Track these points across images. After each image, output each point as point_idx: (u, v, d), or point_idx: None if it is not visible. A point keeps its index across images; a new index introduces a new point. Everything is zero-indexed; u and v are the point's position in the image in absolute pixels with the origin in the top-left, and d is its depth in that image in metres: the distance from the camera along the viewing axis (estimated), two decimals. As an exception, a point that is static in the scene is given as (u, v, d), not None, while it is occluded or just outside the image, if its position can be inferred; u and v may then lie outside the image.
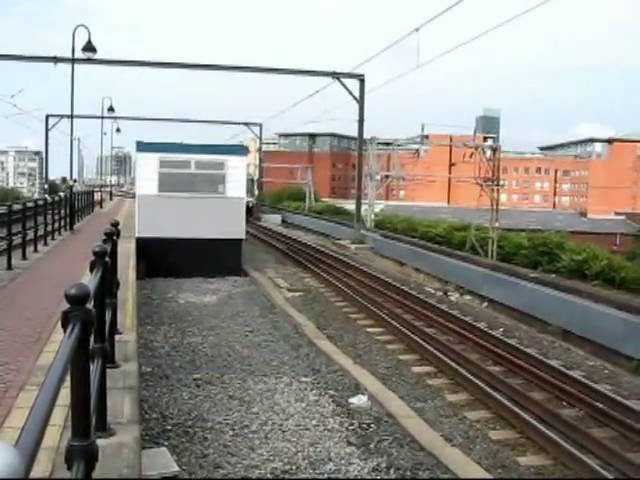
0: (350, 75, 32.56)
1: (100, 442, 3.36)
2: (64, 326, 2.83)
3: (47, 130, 48.13)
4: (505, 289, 18.75)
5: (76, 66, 24.33)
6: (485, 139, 34.04)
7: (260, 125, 57.72)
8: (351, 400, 10.33)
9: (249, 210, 44.91)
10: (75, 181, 29.59)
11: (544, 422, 9.59)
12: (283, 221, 53.41)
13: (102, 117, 49.61)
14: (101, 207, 43.70)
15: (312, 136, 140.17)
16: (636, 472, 8.07)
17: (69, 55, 24.23)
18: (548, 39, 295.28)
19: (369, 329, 15.77)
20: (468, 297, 20.57)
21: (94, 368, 4.24)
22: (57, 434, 4.40)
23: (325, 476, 7.69)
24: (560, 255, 19.51)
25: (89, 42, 23.37)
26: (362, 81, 32.57)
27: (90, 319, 2.99)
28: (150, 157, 23.09)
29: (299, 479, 7.61)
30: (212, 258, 22.47)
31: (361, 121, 33.45)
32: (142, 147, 23.66)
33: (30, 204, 18.67)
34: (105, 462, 3.93)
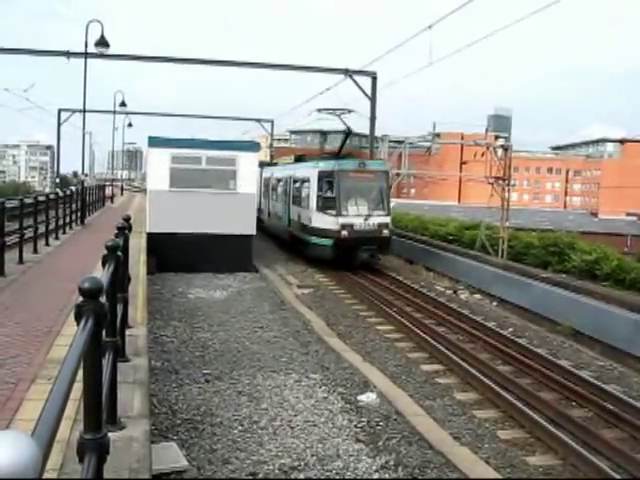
0: (362, 72, 32.49)
1: (110, 436, 3.37)
2: (77, 319, 2.84)
3: (59, 124, 48.33)
4: (515, 288, 18.70)
5: (89, 61, 24.38)
6: (496, 138, 33.83)
7: (272, 122, 57.67)
8: (360, 397, 10.33)
9: (381, 243, 23.61)
10: (86, 175, 29.67)
11: (553, 422, 9.57)
12: None
13: (114, 112, 49.66)
14: (112, 202, 43.84)
15: (323, 133, 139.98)
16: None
17: (82, 50, 24.29)
18: (560, 39, 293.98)
19: (379, 327, 15.77)
20: (478, 296, 20.52)
21: (105, 362, 4.26)
22: (68, 427, 4.42)
23: (334, 472, 7.70)
24: (571, 255, 19.41)
25: (102, 37, 23.39)
26: (374, 78, 32.49)
27: (103, 313, 2.99)
28: (162, 152, 23.13)
29: (307, 479, 7.61)
30: (222, 254, 22.49)
31: (373, 118, 33.38)
32: (154, 142, 23.70)
33: (42, 198, 18.74)
34: (115, 456, 3.94)
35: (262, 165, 36.19)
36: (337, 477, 7.64)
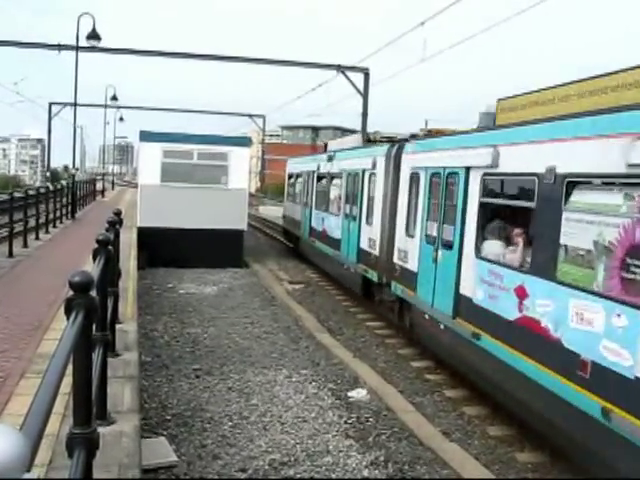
0: (355, 68, 32.51)
1: (100, 430, 3.36)
2: (67, 313, 2.83)
3: (50, 118, 48.12)
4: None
5: (80, 54, 24.29)
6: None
7: (263, 117, 57.63)
8: (350, 393, 10.34)
9: None
10: (77, 170, 29.54)
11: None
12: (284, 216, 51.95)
13: (105, 106, 49.56)
14: (103, 196, 43.74)
15: (315, 129, 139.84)
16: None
17: (74, 43, 24.19)
18: (556, 36, 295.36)
19: (369, 323, 15.77)
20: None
21: (95, 356, 4.25)
22: (57, 421, 4.41)
23: (324, 468, 7.70)
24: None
25: (93, 30, 23.30)
26: (367, 75, 32.53)
27: (93, 307, 2.98)
28: (153, 147, 23.06)
29: (297, 479, 7.61)
30: (213, 249, 22.44)
31: (365, 115, 33.42)
32: (145, 137, 23.63)
33: (32, 192, 18.67)
34: (105, 450, 3.94)
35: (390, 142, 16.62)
36: (327, 473, 7.64)
